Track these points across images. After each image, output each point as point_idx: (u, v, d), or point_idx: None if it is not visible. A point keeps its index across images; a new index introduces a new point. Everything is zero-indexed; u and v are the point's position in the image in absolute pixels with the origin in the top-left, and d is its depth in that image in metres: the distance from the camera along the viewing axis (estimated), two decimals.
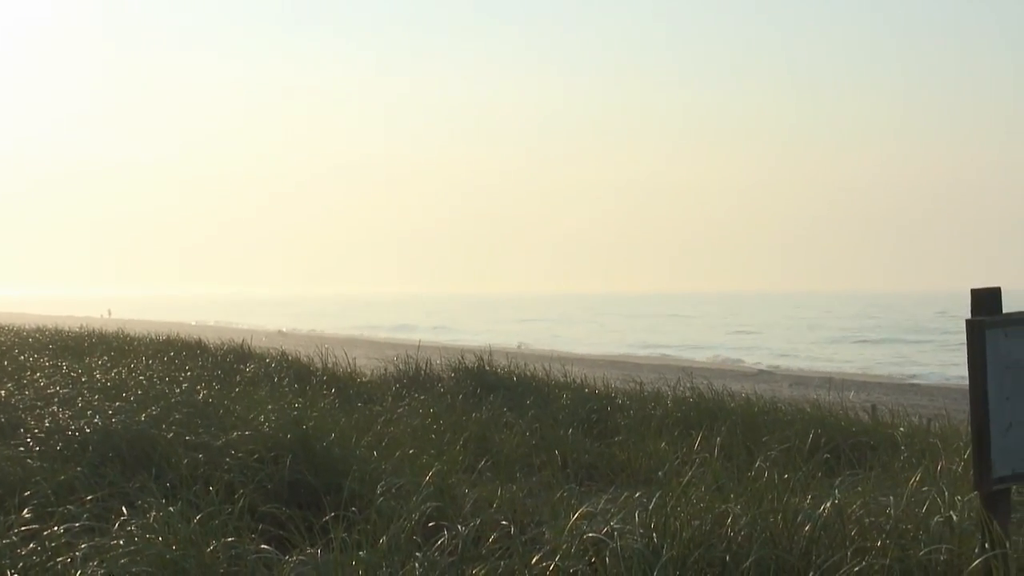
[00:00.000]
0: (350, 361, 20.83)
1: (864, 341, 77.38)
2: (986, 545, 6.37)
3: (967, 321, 6.47)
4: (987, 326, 6.42)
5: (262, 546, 7.80)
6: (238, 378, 18.37)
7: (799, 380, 35.04)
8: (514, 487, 10.18)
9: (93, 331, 33.41)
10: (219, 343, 26.93)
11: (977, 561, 6.37)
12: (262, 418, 11.69)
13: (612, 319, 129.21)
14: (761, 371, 43.28)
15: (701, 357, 58.86)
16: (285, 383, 17.78)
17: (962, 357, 6.87)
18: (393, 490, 9.21)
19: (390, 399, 16.24)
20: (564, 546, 7.23)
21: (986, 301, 6.55)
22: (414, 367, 19.51)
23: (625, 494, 8.87)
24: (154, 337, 29.87)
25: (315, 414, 12.39)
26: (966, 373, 6.56)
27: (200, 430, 11.28)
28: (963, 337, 6.55)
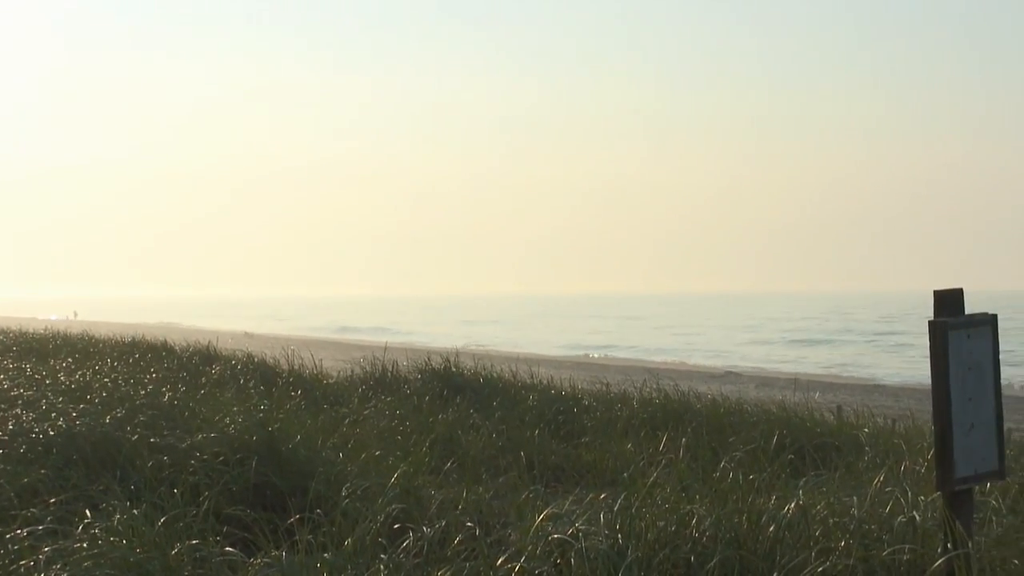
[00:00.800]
0: (316, 363, 20.79)
1: (796, 341, 77.84)
2: (948, 545, 6.40)
3: (930, 322, 6.50)
4: (950, 327, 6.46)
5: (227, 548, 7.77)
6: (204, 380, 18.30)
7: (765, 381, 35.17)
8: (480, 489, 10.19)
9: (58, 333, 33.22)
10: (184, 345, 26.82)
11: (940, 561, 6.40)
12: (228, 420, 11.65)
13: (558, 320, 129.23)
14: (728, 372, 43.39)
15: (623, 355, 59.24)
16: (251, 385, 17.74)
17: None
18: (359, 492, 9.19)
19: (356, 401, 16.19)
20: (530, 547, 7.24)
21: (948, 302, 6.58)
22: (380, 369, 19.47)
23: (591, 495, 8.88)
24: (119, 339, 29.73)
25: (281, 416, 12.36)
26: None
27: (165, 432, 11.24)
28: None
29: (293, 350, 21.99)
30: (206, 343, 26.39)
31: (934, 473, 6.63)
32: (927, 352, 6.62)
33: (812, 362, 55.03)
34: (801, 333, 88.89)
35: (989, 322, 6.65)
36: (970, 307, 6.79)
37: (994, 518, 7.57)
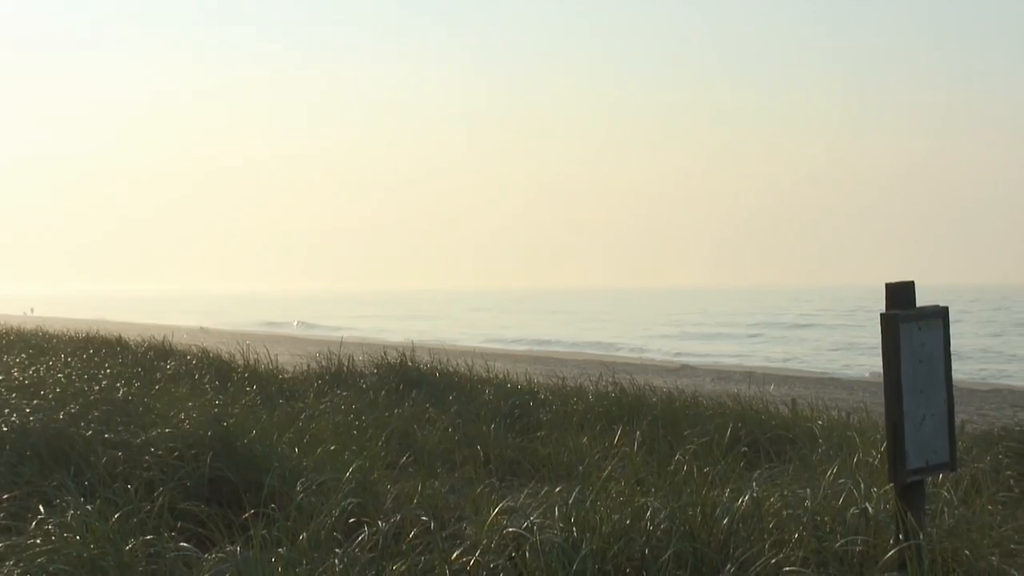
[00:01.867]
0: (272, 358, 20.72)
1: (751, 334, 78.32)
2: (900, 536, 6.44)
3: (882, 315, 6.54)
4: (901, 320, 6.50)
5: (181, 544, 7.76)
6: (158, 375, 18.22)
7: (721, 375, 35.25)
8: (436, 483, 10.19)
9: (11, 329, 32.99)
10: (139, 340, 26.68)
11: (892, 552, 6.45)
12: (183, 415, 11.60)
13: (514, 315, 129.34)
14: (684, 366, 43.46)
15: (579, 349, 59.52)
16: (206, 380, 17.68)
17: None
18: (314, 487, 9.18)
19: (312, 396, 16.17)
20: (484, 541, 7.26)
21: (900, 295, 6.63)
22: (336, 363, 19.43)
23: (546, 489, 8.90)
24: (74, 334, 29.55)
25: (236, 411, 12.33)
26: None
27: (119, 428, 11.18)
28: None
29: (248, 345, 21.92)
30: (161, 338, 26.26)
31: (886, 465, 6.67)
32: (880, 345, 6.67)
33: (768, 355, 55.21)
34: (757, 327, 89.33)
35: (940, 315, 6.70)
36: (922, 300, 6.85)
37: (946, 510, 7.62)
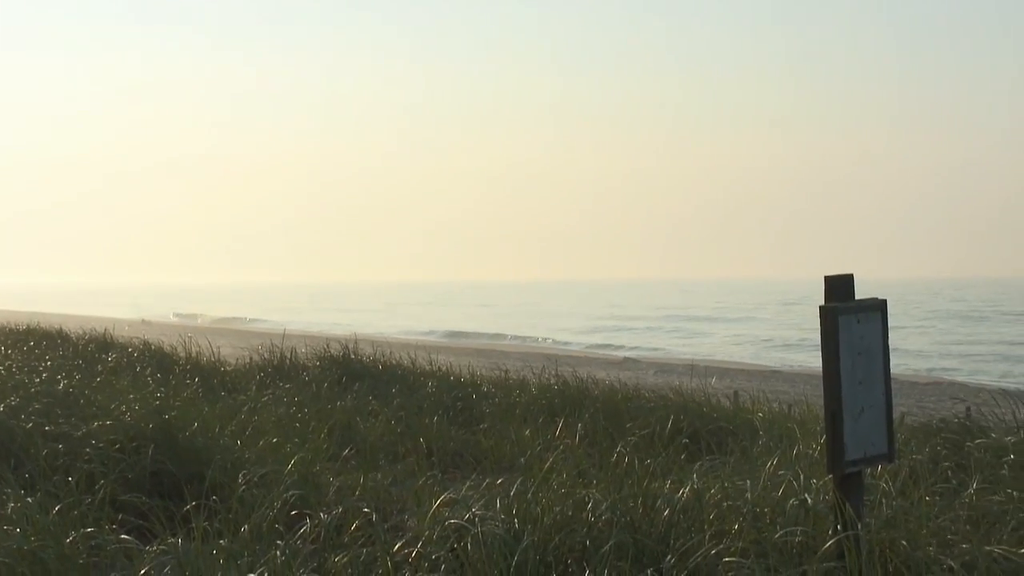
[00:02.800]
0: (214, 350, 20.63)
1: (696, 327, 78.84)
2: (839, 527, 6.50)
3: (820, 307, 6.59)
4: (840, 312, 6.55)
5: (122, 536, 7.74)
6: (100, 368, 18.09)
7: (664, 367, 35.38)
8: (379, 475, 10.19)
9: None
10: (81, 332, 26.49)
11: (830, 542, 6.50)
12: (124, 408, 11.56)
13: (458, 307, 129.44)
14: (626, 358, 43.64)
15: (523, 342, 59.85)
16: (148, 373, 17.57)
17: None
18: (256, 479, 9.17)
19: (254, 388, 16.12)
20: (426, 533, 7.27)
21: (839, 288, 6.67)
22: (279, 356, 19.37)
23: (487, 481, 8.92)
24: (14, 327, 29.31)
25: (178, 404, 12.29)
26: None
27: (60, 420, 11.12)
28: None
29: (191, 337, 21.80)
30: (102, 331, 26.09)
31: (825, 457, 6.73)
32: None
33: (711, 348, 55.45)
34: (702, 320, 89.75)
35: (879, 307, 6.75)
36: (866, 294, 6.91)
37: (884, 500, 7.69)
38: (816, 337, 6.83)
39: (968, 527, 7.33)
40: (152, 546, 7.46)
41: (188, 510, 8.25)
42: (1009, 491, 8.20)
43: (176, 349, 21.03)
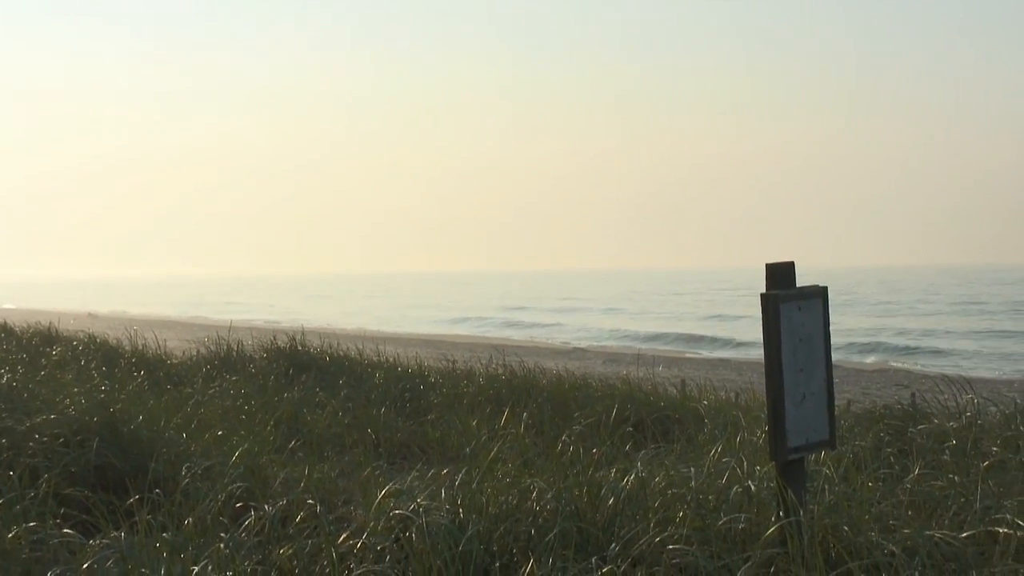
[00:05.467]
0: (161, 343, 20.54)
1: (649, 317, 79.38)
2: (781, 513, 6.54)
3: (762, 295, 6.62)
4: (781, 300, 6.58)
5: (65, 530, 7.69)
6: (44, 361, 17.97)
7: (612, 357, 35.48)
8: (326, 466, 10.17)
9: None
10: (25, 326, 26.30)
11: (772, 528, 6.54)
12: (68, 401, 11.48)
13: (406, 298, 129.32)
14: (575, 348, 43.71)
15: (470, 332, 60.15)
16: (93, 366, 17.47)
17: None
18: (200, 472, 9.13)
19: (201, 381, 16.05)
20: (372, 524, 7.26)
21: (780, 275, 6.70)
22: (226, 348, 19.30)
23: (432, 471, 8.93)
24: None
25: (123, 397, 12.23)
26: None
27: (3, 415, 11.03)
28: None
29: (136, 330, 21.69)
30: (47, 324, 25.89)
31: (768, 443, 6.76)
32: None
33: (661, 337, 55.56)
34: (654, 310, 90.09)
35: (820, 294, 6.78)
36: (812, 282, 6.95)
37: (827, 487, 7.74)
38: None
39: (910, 512, 7.39)
40: (95, 540, 7.42)
41: (132, 503, 8.20)
42: (950, 476, 8.27)
43: (122, 342, 20.91)
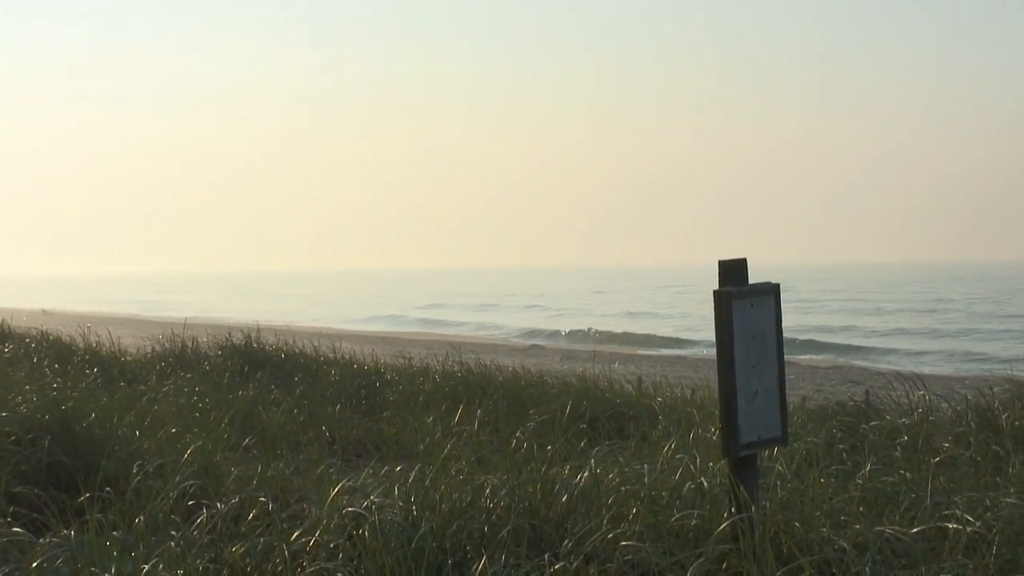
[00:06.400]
0: (114, 340, 20.41)
1: (608, 313, 79.81)
2: (733, 509, 6.56)
3: (715, 292, 6.63)
4: (734, 296, 6.60)
5: (15, 529, 7.64)
6: None
7: (569, 354, 35.52)
8: (280, 464, 10.14)
9: None
10: None
11: (724, 524, 6.56)
12: (20, 399, 11.40)
13: (363, 295, 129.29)
14: (533, 345, 43.76)
15: (427, 329, 60.28)
16: (45, 363, 17.35)
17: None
18: (152, 469, 9.08)
19: (155, 378, 15.97)
20: (324, 521, 7.24)
21: (733, 272, 6.72)
22: (180, 345, 19.21)
23: (387, 468, 8.91)
24: None
25: (75, 394, 12.15)
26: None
27: None
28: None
29: (90, 327, 21.55)
30: None
31: (720, 440, 6.78)
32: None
33: (619, 334, 55.65)
34: (612, 305, 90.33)
35: (772, 291, 6.80)
36: (765, 279, 6.97)
37: (779, 483, 7.77)
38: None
39: (861, 508, 7.42)
40: (45, 539, 7.37)
41: (82, 502, 8.15)
42: (902, 472, 8.32)
43: (75, 339, 20.77)
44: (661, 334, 54.42)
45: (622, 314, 77.46)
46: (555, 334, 57.06)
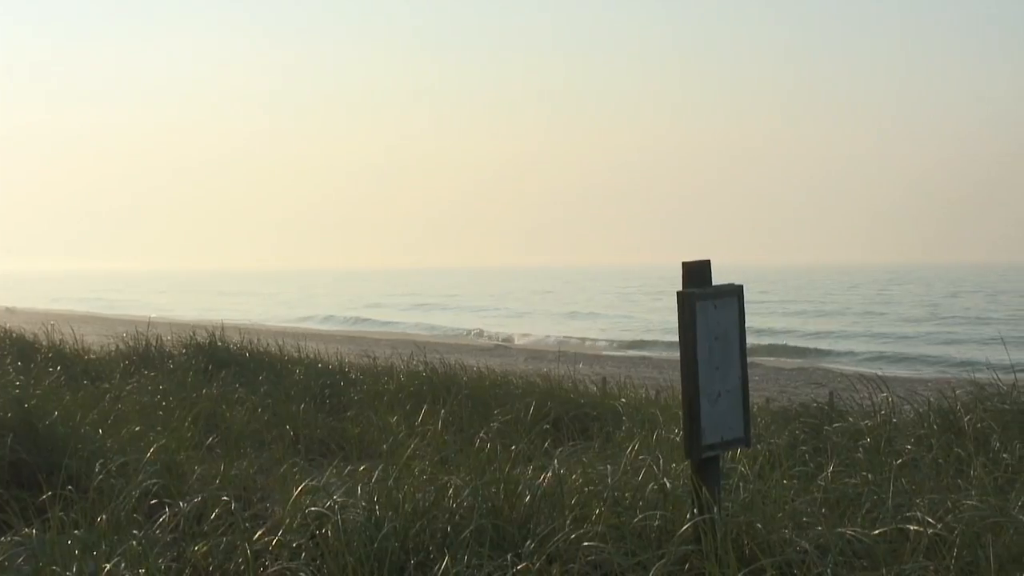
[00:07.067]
0: (78, 338, 20.32)
1: (567, 313, 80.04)
2: (696, 511, 6.58)
3: (678, 293, 6.66)
4: (697, 298, 6.62)
5: None
6: None
7: (534, 354, 35.56)
8: (244, 463, 10.12)
9: None
10: None
11: (687, 525, 6.58)
12: None
13: (325, 295, 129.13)
14: (497, 345, 43.79)
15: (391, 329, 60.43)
16: (8, 361, 17.25)
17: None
18: (115, 468, 9.04)
19: (118, 376, 15.90)
20: (287, 521, 7.23)
21: (697, 274, 6.75)
22: (144, 344, 19.13)
23: (350, 467, 8.91)
24: None
25: (38, 392, 12.08)
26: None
27: None
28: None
29: (54, 325, 21.44)
30: None
31: (683, 441, 6.80)
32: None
33: (582, 335, 55.72)
34: (574, 305, 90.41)
35: (735, 292, 6.83)
36: (732, 280, 7.00)
37: (742, 484, 7.80)
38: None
39: (824, 510, 7.45)
40: (6, 537, 7.34)
41: (44, 500, 8.12)
42: (864, 474, 8.36)
43: (38, 337, 20.66)
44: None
45: (563, 314, 77.82)
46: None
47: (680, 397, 6.91)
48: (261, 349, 18.92)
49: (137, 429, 10.98)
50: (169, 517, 7.63)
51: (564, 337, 53.24)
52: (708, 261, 6.84)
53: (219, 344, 18.81)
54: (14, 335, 21.37)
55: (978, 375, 12.95)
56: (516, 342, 48.73)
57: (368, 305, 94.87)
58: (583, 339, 53.01)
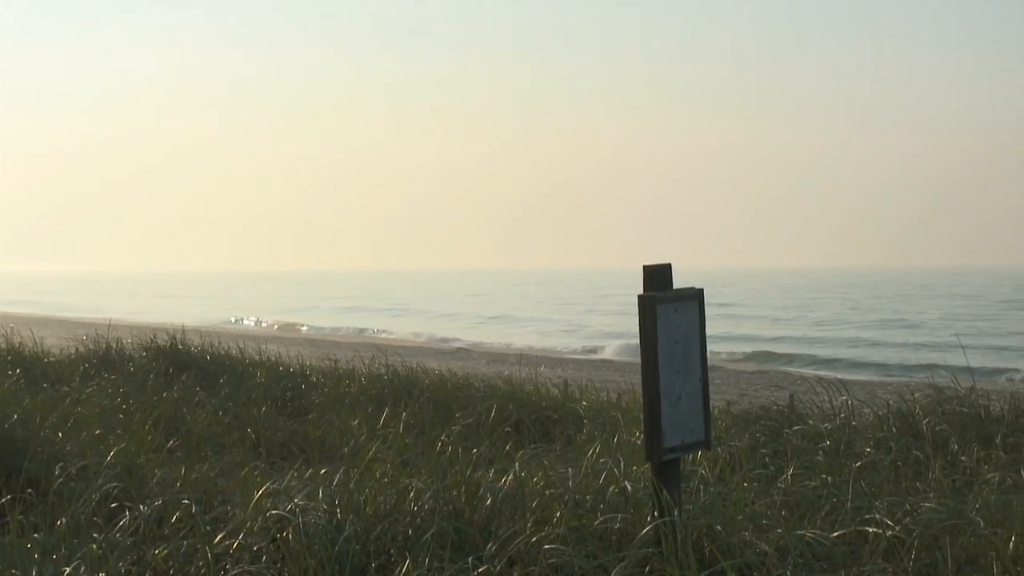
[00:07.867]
0: (37, 341, 20.21)
1: (534, 317, 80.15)
2: (656, 513, 6.60)
3: (639, 297, 6.68)
4: (658, 302, 6.65)
5: None
6: None
7: (496, 357, 35.55)
8: (205, 466, 10.09)
9: None
10: None
11: (647, 528, 6.60)
12: None
13: (282, 297, 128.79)
14: (459, 349, 43.74)
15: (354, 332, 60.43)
16: None
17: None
18: (75, 471, 9.01)
19: (78, 379, 15.83)
20: (248, 524, 7.22)
21: (657, 277, 6.77)
22: (104, 346, 19.05)
23: (311, 470, 8.89)
24: None
25: None
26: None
27: None
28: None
29: (12, 328, 21.32)
30: None
31: (644, 444, 6.82)
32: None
33: (545, 338, 55.76)
34: (540, 307, 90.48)
35: (696, 296, 6.86)
36: (693, 284, 7.03)
37: (702, 487, 7.84)
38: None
39: (783, 512, 7.50)
40: None
41: (3, 503, 8.08)
42: (823, 476, 8.42)
43: None
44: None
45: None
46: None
47: (641, 400, 6.93)
48: (222, 352, 18.87)
49: (97, 432, 10.95)
50: (129, 520, 7.60)
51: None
52: (669, 265, 6.86)
53: (180, 347, 18.76)
54: None
55: (937, 379, 13.04)
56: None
57: (304, 308, 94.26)
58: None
